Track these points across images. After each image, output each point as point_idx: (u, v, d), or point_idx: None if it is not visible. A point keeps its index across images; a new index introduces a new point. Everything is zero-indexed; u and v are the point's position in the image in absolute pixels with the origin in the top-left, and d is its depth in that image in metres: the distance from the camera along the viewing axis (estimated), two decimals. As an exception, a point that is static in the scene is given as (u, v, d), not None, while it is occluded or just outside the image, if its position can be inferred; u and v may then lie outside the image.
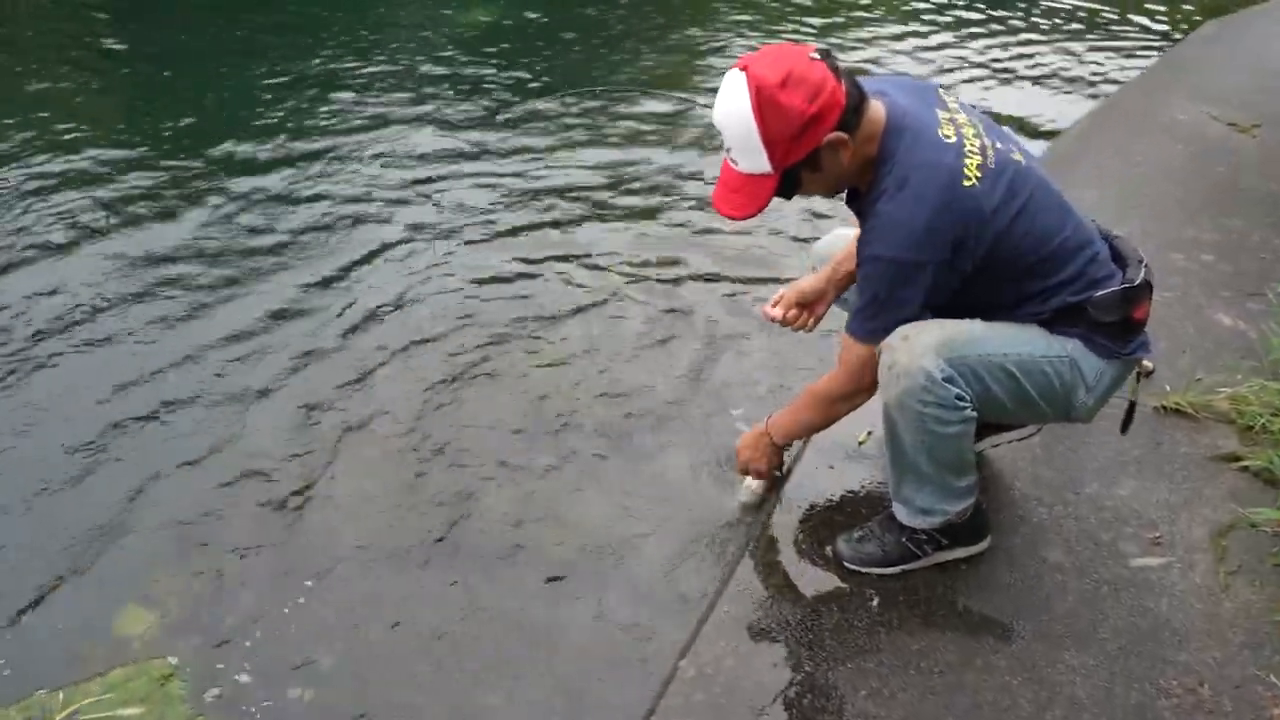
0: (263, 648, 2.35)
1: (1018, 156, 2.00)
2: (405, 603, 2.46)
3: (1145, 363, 2.14)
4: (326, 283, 3.77)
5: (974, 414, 2.02)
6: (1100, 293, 2.01)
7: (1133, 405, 2.29)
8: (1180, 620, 2.19)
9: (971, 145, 1.93)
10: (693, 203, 4.39)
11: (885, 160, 1.95)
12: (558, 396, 3.15)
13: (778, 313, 2.36)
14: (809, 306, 2.39)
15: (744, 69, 1.89)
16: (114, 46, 6.34)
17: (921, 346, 1.97)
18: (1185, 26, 6.78)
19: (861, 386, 2.15)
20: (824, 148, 1.92)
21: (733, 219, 2.04)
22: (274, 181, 4.54)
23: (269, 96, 5.47)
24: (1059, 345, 2.04)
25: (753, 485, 2.59)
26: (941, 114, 1.98)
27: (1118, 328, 2.04)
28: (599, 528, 2.65)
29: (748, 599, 2.26)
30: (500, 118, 4.15)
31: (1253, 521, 2.44)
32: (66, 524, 2.69)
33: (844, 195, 2.14)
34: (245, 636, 2.38)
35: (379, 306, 3.63)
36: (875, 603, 2.24)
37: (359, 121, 5.18)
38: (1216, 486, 2.57)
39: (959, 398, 1.99)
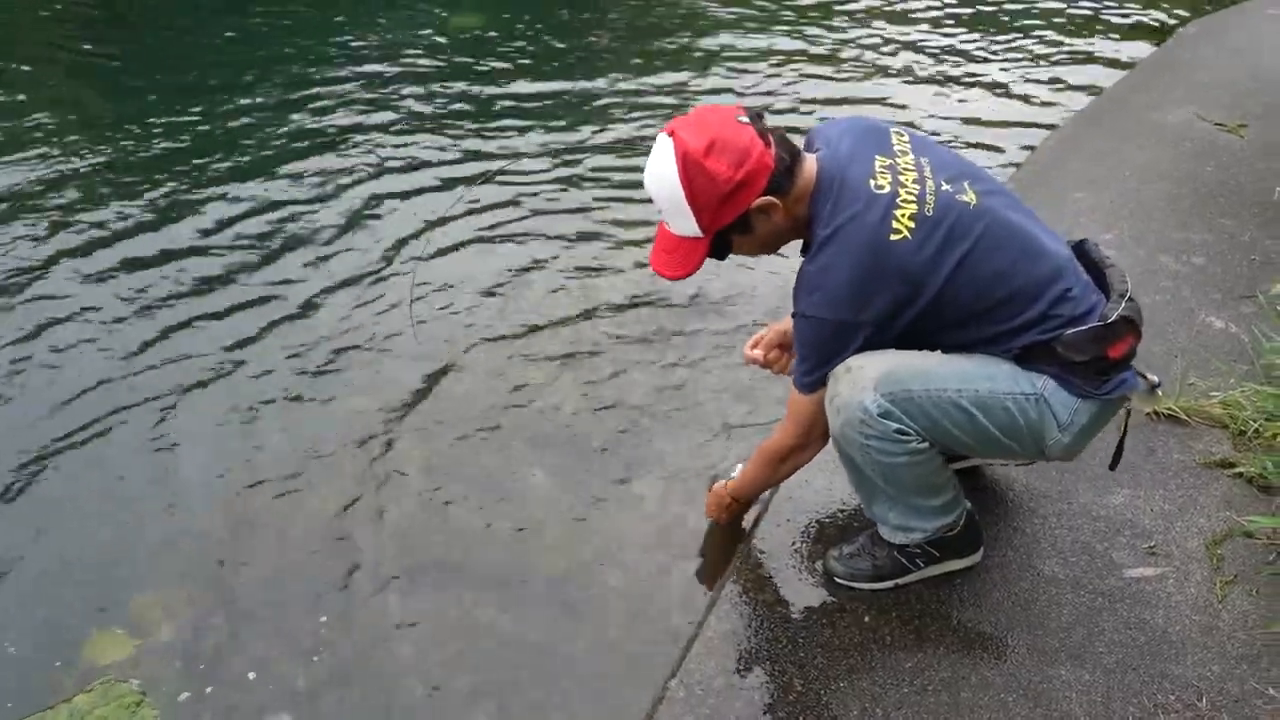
0: (245, 673, 2.30)
1: (968, 196, 1.92)
2: (393, 624, 2.42)
3: (1150, 376, 2.06)
4: (314, 296, 3.71)
5: (923, 445, 1.98)
6: (1070, 332, 1.91)
7: (1121, 442, 2.17)
8: (1177, 633, 2.16)
9: (908, 194, 1.88)
10: None
11: (814, 220, 1.93)
12: (544, 413, 3.10)
13: (758, 354, 2.32)
14: (789, 348, 2.33)
15: (671, 134, 1.89)
16: (101, 48, 6.27)
17: (863, 379, 1.93)
18: (1172, 25, 6.77)
19: (810, 439, 2.14)
20: (753, 211, 1.91)
21: (667, 279, 2.06)
22: (253, 190, 4.47)
23: (253, 101, 5.40)
24: (1028, 382, 1.96)
25: None
26: (880, 162, 1.92)
27: (1091, 367, 1.93)
28: (586, 546, 2.61)
29: (737, 617, 2.22)
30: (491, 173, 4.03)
31: (1248, 530, 2.40)
32: (43, 547, 2.64)
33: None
34: (227, 661, 2.33)
35: (366, 320, 3.58)
36: (867, 619, 2.20)
37: (341, 126, 5.12)
38: (1210, 494, 2.54)
39: (899, 432, 1.95)
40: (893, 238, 1.84)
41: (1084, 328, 1.91)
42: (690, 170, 1.86)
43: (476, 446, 2.96)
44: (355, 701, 2.23)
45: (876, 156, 1.94)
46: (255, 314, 3.58)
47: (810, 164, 1.96)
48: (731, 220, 1.92)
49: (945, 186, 1.92)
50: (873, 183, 1.89)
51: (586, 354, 3.37)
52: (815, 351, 1.98)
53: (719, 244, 1.98)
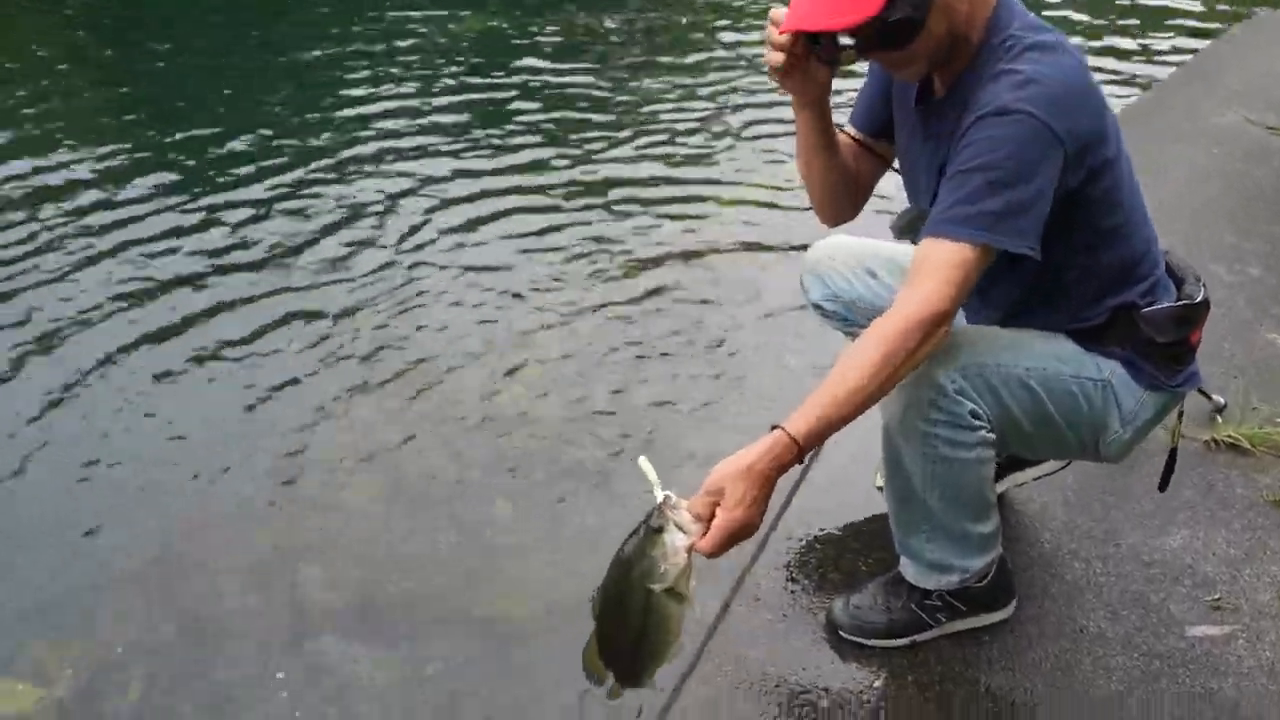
0: None
1: None
2: (331, 676, 2.13)
3: (1216, 397, 1.79)
4: (274, 306, 3.46)
5: (992, 436, 1.70)
6: (1154, 308, 1.74)
7: (1173, 454, 1.95)
8: (1250, 706, 1.83)
9: None
10: (693, 217, 4.09)
11: (1000, 30, 1.59)
12: (519, 436, 2.83)
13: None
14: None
15: None
16: (107, 51, 6.17)
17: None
18: (1217, 28, 6.45)
19: (957, 304, 1.55)
20: None
21: (835, 29, 1.58)
22: (263, 189, 4.27)
23: (265, 102, 5.27)
24: (1094, 366, 1.74)
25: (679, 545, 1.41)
26: None
27: (1169, 352, 1.76)
28: (554, 588, 2.30)
29: (721, 679, 1.88)
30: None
31: (1330, 580, 2.06)
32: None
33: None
34: (137, 711, 2.06)
35: (336, 328, 3.33)
36: (878, 683, 1.87)
37: (352, 130, 4.94)
38: (1283, 536, 2.20)
39: (973, 414, 1.67)
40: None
41: (1170, 304, 1.74)
42: None
43: (441, 472, 2.68)
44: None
45: None
46: (203, 326, 3.34)
47: None
48: None
49: None
50: None
51: (573, 373, 3.10)
52: (1011, 157, 1.51)
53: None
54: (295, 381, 3.04)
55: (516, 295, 3.50)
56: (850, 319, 2.08)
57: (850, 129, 1.93)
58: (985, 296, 1.68)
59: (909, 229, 1.80)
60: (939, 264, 1.53)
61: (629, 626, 1.44)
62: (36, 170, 4.37)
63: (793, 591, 2.07)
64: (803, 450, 1.48)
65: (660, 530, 1.38)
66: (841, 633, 1.94)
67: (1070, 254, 1.68)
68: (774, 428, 1.47)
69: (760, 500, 1.46)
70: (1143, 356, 1.75)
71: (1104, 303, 1.75)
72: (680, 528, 1.40)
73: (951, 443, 1.68)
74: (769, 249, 3.76)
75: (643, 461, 1.46)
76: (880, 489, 2.20)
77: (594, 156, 4.63)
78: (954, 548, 1.84)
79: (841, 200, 1.94)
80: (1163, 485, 1.97)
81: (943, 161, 1.63)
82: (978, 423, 1.67)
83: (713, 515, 1.43)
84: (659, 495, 1.41)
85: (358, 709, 2.06)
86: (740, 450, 1.47)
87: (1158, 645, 1.94)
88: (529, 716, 2.03)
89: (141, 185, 4.27)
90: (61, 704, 2.08)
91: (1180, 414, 1.90)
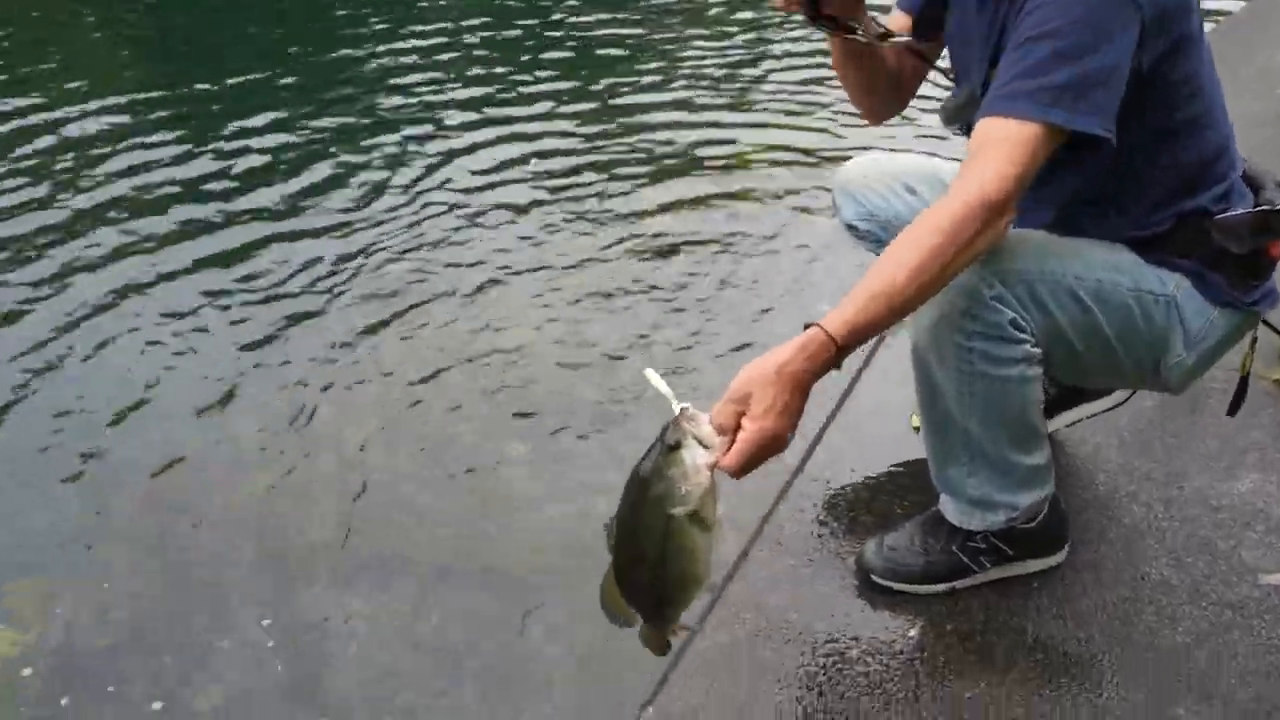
0: (135, 672, 1.94)
1: None
2: (315, 627, 2.02)
3: None
4: (260, 242, 3.41)
5: (1037, 351, 1.53)
6: (1228, 214, 1.55)
7: (1245, 380, 1.75)
8: (1335, 660, 1.62)
9: None
10: (704, 175, 3.95)
11: None
12: (524, 376, 2.71)
13: None
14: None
15: None
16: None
17: None
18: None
19: (1024, 179, 1.35)
20: None
21: None
22: (279, 127, 4.26)
23: (286, 43, 5.32)
24: (1157, 279, 1.56)
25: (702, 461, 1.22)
26: None
27: (1245, 265, 1.57)
28: (561, 537, 2.19)
29: (738, 627, 1.72)
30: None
31: None
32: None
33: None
34: (123, 672, 1.95)
35: (341, 270, 3.24)
36: (913, 633, 1.70)
37: (373, 69, 4.97)
38: (1365, 480, 2.00)
39: (1015, 325, 1.49)
40: None
41: (1246, 211, 1.55)
42: None
43: (440, 415, 2.58)
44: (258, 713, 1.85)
45: None
46: (182, 258, 3.30)
47: None
48: None
49: None
50: None
51: (589, 307, 3.00)
52: (1066, 35, 1.33)
53: None
54: (296, 318, 2.96)
55: (524, 211, 3.48)
56: (885, 240, 1.88)
57: (898, 13, 1.74)
58: (1041, 190, 1.48)
59: (958, 115, 1.61)
60: (999, 143, 1.34)
61: (648, 558, 1.27)
62: (57, 103, 4.38)
63: (819, 535, 1.90)
64: (841, 351, 1.29)
65: (678, 446, 1.21)
66: (874, 577, 1.76)
67: (1145, 144, 1.48)
68: (808, 326, 1.29)
69: (793, 408, 1.26)
70: (1214, 269, 1.57)
71: (1172, 206, 1.55)
72: (701, 442, 1.22)
73: (990, 358, 1.49)
74: (799, 165, 3.65)
75: (649, 373, 1.29)
76: (917, 429, 2.01)
77: (619, 92, 4.54)
78: (998, 481, 1.65)
79: (884, 100, 1.79)
80: (1233, 409, 1.76)
81: (999, 33, 1.44)
82: (1020, 334, 1.49)
83: (738, 427, 1.25)
84: (675, 407, 1.23)
85: (349, 660, 1.93)
86: (769, 351, 1.27)
87: (1229, 594, 1.74)
88: (530, 670, 1.91)
89: (159, 121, 4.27)
90: (41, 648, 1.99)
91: (1254, 340, 1.69)
